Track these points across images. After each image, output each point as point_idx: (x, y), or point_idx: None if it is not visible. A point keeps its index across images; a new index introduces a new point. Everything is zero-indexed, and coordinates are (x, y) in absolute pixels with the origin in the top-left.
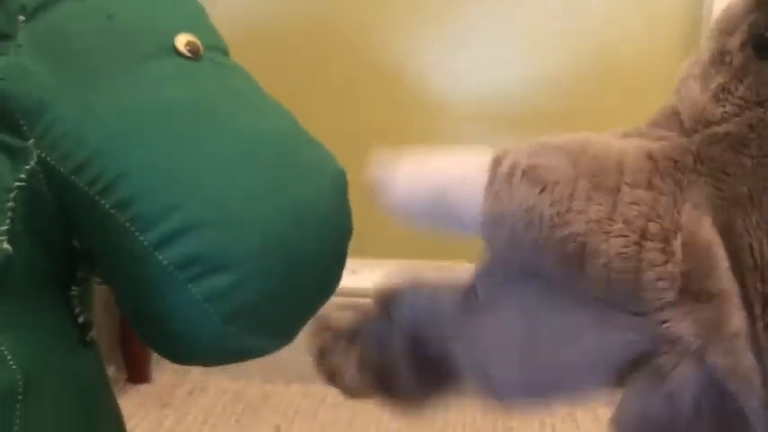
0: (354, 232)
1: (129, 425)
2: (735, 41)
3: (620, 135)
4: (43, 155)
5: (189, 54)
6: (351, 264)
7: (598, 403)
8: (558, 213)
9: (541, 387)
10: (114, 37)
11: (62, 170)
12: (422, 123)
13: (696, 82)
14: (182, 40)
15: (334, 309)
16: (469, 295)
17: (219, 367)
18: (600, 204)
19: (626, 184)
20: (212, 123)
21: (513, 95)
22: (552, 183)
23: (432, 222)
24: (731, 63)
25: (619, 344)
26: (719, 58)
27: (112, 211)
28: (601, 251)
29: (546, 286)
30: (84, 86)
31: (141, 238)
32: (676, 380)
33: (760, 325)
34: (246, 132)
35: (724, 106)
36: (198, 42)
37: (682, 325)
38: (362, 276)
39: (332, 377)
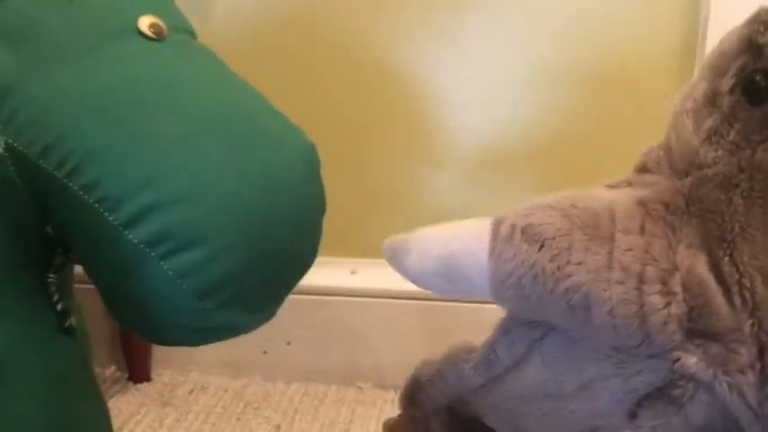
0: (354, 232)
1: (129, 424)
2: (725, 84)
3: (606, 188)
4: (10, 141)
5: (152, 35)
6: (351, 264)
7: None
8: (558, 267)
9: None
10: (77, 19)
11: (29, 155)
12: (421, 125)
13: (689, 120)
14: (145, 22)
15: (334, 309)
16: (492, 363)
17: (220, 366)
18: (597, 254)
19: (619, 231)
20: (176, 99)
21: (512, 96)
22: (550, 238)
23: (447, 290)
24: (722, 106)
25: (640, 384)
26: (711, 99)
27: (81, 192)
28: (604, 299)
29: (565, 341)
30: (48, 69)
31: (111, 218)
32: (693, 407)
33: (758, 366)
34: (211, 106)
35: (716, 150)
36: (161, 24)
37: (693, 361)
38: (362, 276)
39: None
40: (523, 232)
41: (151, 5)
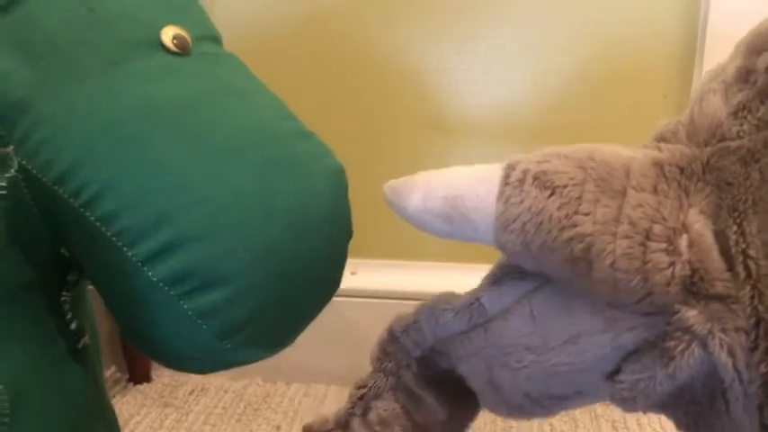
0: (354, 232)
1: (129, 425)
2: (762, 62)
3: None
4: (24, 162)
5: (176, 49)
6: (351, 264)
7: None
8: (566, 215)
9: (552, 391)
10: (96, 31)
11: (44, 179)
12: (423, 127)
13: (716, 96)
14: (168, 34)
15: (334, 309)
16: (476, 311)
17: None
18: (606, 206)
19: (632, 187)
20: (200, 125)
21: (513, 98)
22: (561, 186)
23: (447, 231)
24: (755, 82)
25: (629, 341)
26: (744, 76)
27: (98, 224)
28: (607, 251)
29: (557, 294)
30: (65, 86)
31: (129, 253)
32: (683, 360)
33: (753, 334)
34: (237, 131)
35: (742, 124)
36: (185, 35)
37: (692, 313)
38: (362, 276)
39: None
40: (535, 178)
41: (175, 12)
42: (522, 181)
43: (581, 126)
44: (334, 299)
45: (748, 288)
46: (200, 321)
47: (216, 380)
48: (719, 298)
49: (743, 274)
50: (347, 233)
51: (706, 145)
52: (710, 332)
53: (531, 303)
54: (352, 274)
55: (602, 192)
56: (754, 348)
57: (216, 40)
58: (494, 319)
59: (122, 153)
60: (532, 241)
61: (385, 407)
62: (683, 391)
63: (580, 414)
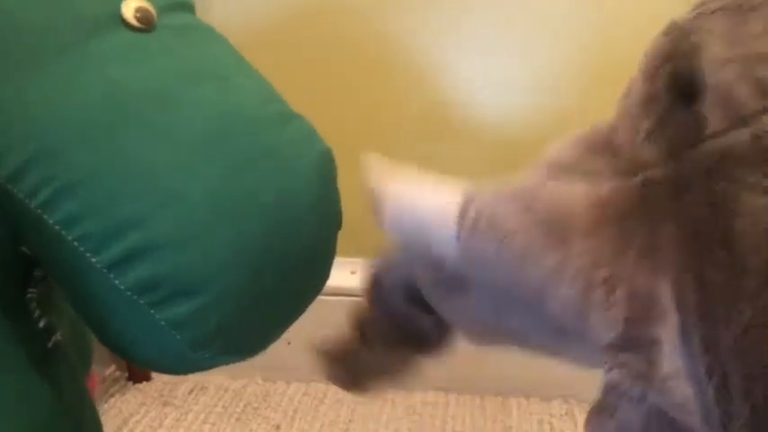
0: (354, 232)
1: (129, 423)
2: (657, 85)
3: (558, 170)
4: None
5: (139, 24)
6: (351, 264)
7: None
8: (518, 261)
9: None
10: (50, 8)
11: None
12: (425, 126)
13: (629, 119)
14: (130, 7)
15: (334, 309)
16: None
17: (220, 366)
18: (554, 254)
19: (576, 235)
20: (170, 117)
21: (511, 100)
22: (512, 232)
23: (419, 253)
24: (657, 106)
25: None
26: (647, 101)
27: (57, 227)
28: (556, 296)
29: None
30: (17, 72)
31: (93, 259)
32: (624, 414)
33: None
34: (211, 121)
35: (657, 150)
36: (149, 7)
37: (619, 373)
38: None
39: (366, 372)
40: (488, 221)
41: None
42: (475, 225)
43: (579, 125)
44: (334, 299)
45: (682, 332)
46: (173, 332)
47: (215, 379)
48: (644, 345)
49: (676, 317)
50: (335, 222)
51: (633, 175)
52: (644, 390)
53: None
54: (352, 273)
55: (548, 237)
56: (700, 385)
57: (185, 6)
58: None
59: (83, 149)
60: (492, 279)
61: (381, 329)
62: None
63: (580, 414)
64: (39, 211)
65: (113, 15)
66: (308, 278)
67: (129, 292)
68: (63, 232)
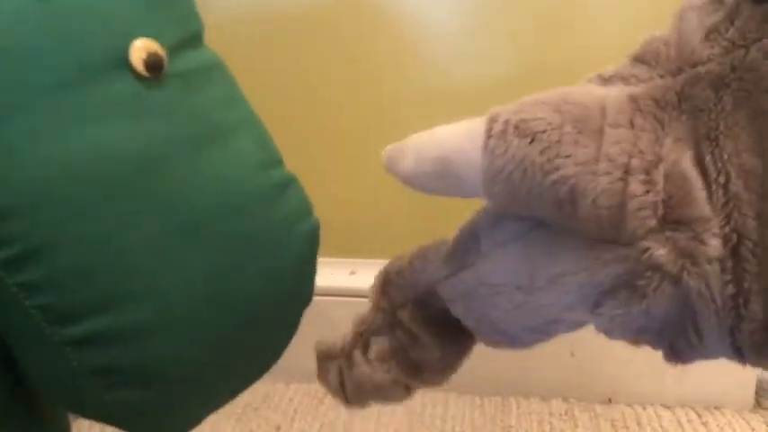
0: (354, 232)
1: None
2: None
3: (599, 80)
4: None
5: (146, 73)
6: (351, 264)
7: (596, 402)
8: (548, 160)
9: (538, 325)
10: (46, 36)
11: None
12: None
13: (694, 15)
14: (139, 51)
15: (335, 310)
16: (465, 251)
17: None
18: (586, 147)
19: (609, 125)
20: (159, 193)
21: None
22: (540, 132)
23: (441, 189)
24: (727, 2)
25: (604, 277)
26: None
27: (15, 289)
28: (589, 190)
29: (550, 233)
30: None
31: (49, 331)
32: (655, 298)
33: (728, 263)
34: (202, 201)
35: (712, 47)
36: (160, 52)
37: (661, 252)
38: (362, 276)
39: (360, 387)
40: (516, 127)
41: (148, 12)
42: (504, 132)
43: None
44: (334, 299)
45: (724, 212)
46: (121, 415)
47: None
48: (692, 225)
49: (721, 199)
50: (306, 302)
51: (680, 72)
52: (683, 269)
53: (524, 243)
54: (352, 273)
55: (580, 132)
56: (724, 272)
57: (197, 37)
58: (486, 257)
59: (55, 214)
60: (519, 189)
61: (383, 343)
62: (659, 323)
63: (580, 413)
64: None
65: (119, 57)
66: (267, 357)
67: (83, 370)
68: (21, 295)
